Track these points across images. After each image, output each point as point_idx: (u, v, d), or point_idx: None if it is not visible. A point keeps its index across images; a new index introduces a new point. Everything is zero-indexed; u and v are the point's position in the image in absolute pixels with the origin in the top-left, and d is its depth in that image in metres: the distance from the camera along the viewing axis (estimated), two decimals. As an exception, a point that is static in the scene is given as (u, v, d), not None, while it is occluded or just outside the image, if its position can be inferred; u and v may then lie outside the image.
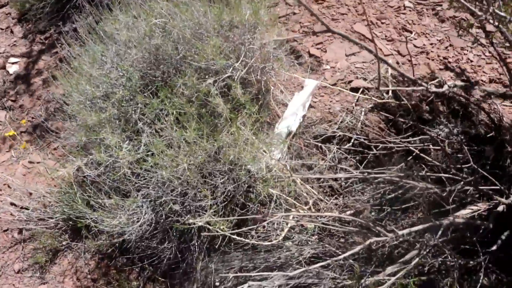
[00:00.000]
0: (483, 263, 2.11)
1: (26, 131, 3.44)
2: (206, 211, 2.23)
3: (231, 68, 2.32)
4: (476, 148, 2.49)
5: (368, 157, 2.54)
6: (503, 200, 2.20)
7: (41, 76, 3.85)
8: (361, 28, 3.30)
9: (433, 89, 1.75)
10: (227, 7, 2.65)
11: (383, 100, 2.73)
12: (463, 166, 2.24)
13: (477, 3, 1.84)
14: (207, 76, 2.40)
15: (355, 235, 2.35)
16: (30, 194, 2.98)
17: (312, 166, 2.58)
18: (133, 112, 2.56)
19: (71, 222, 2.78)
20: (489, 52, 3.01)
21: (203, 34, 2.55)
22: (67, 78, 2.89)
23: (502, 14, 1.74)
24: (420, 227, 2.01)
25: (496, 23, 1.77)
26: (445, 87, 1.74)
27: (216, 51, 2.37)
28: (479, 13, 1.75)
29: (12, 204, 2.95)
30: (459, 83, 2.13)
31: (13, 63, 3.92)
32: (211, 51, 2.32)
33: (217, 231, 2.10)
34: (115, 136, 2.41)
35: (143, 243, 2.52)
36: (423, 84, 1.77)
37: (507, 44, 2.11)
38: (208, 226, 2.11)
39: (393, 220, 2.55)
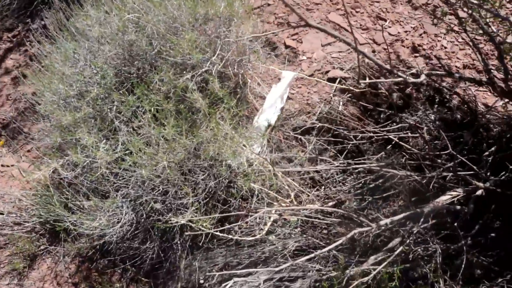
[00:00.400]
0: (464, 248, 2.15)
1: (-5, 134, 3.33)
2: (187, 208, 2.20)
3: (208, 62, 2.28)
4: (453, 134, 2.52)
5: (348, 147, 2.54)
6: (481, 184, 2.24)
7: (10, 75, 3.73)
8: (336, 18, 3.30)
9: (412, 79, 1.75)
10: (201, 0, 2.61)
11: (360, 90, 2.73)
12: (441, 152, 2.27)
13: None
14: (184, 72, 2.36)
15: (338, 226, 2.35)
16: (3, 197, 2.89)
17: (292, 159, 2.57)
18: (108, 110, 2.50)
19: (48, 226, 2.71)
20: (462, 38, 3.04)
21: (178, 29, 2.50)
22: (39, 77, 2.80)
23: (475, 1, 1.75)
24: (401, 215, 2.03)
25: (469, 11, 1.78)
26: (422, 77, 1.74)
27: (192, 45, 2.33)
28: (453, 1, 1.75)
29: (-15, 209, 2.86)
30: (435, 72, 2.14)
31: (-21, 63, 3.78)
32: (187, 46, 2.27)
33: (200, 229, 2.07)
34: (92, 135, 2.35)
35: (124, 244, 2.47)
36: (401, 75, 1.77)
37: (480, 31, 2.14)
38: (190, 224, 2.09)
39: (374, 209, 2.56)
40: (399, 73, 1.77)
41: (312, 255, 1.84)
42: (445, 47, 3.14)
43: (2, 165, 3.10)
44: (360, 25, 3.27)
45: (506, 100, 2.23)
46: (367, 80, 2.17)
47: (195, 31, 2.43)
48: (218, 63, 2.31)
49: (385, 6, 3.36)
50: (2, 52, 3.86)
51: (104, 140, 2.43)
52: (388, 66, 1.83)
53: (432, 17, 2.20)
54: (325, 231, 2.50)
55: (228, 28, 2.59)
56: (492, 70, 2.09)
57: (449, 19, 2.73)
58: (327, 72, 2.94)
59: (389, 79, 2.17)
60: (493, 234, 2.51)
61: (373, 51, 3.08)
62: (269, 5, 3.44)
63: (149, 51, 2.52)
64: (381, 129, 2.44)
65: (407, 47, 3.14)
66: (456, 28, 2.81)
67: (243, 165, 2.18)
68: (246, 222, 2.27)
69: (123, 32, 2.53)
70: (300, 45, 3.16)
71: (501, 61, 1.96)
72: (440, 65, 2.67)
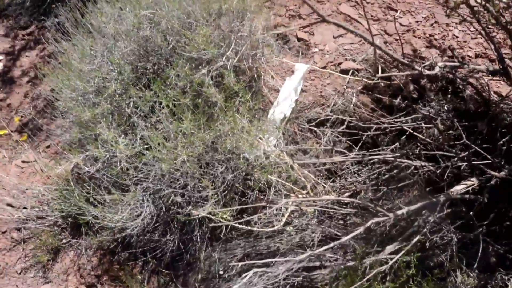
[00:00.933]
0: (480, 236, 2.18)
1: (16, 130, 3.40)
2: (207, 201, 2.25)
3: (224, 57, 2.32)
4: (467, 124, 2.54)
5: (363, 139, 2.57)
6: (496, 173, 2.26)
7: (27, 73, 3.79)
8: (347, 9, 3.31)
9: (426, 72, 1.77)
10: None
11: (373, 81, 2.75)
12: (455, 142, 2.29)
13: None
14: (200, 67, 2.40)
15: (354, 216, 2.39)
16: (26, 193, 2.96)
17: (308, 150, 2.61)
18: (126, 106, 2.55)
19: (70, 219, 2.78)
20: (474, 28, 3.04)
21: (192, 24, 2.54)
22: (56, 74, 2.85)
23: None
24: (418, 205, 2.06)
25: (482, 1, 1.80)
26: (437, 69, 1.77)
27: (207, 40, 2.36)
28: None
29: (9, 205, 2.93)
30: (449, 63, 2.16)
31: (-4, 62, 3.85)
32: (202, 41, 2.31)
33: (220, 221, 2.12)
34: (111, 130, 2.40)
35: (145, 237, 2.53)
36: (417, 68, 1.80)
37: (493, 21, 2.15)
38: (210, 216, 2.14)
39: (389, 199, 2.60)
40: (415, 66, 1.79)
41: (331, 245, 1.88)
42: (457, 37, 3.14)
43: (23, 161, 3.17)
44: (371, 16, 3.28)
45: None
46: (382, 74, 2.19)
47: (210, 26, 2.46)
48: (233, 58, 2.34)
49: (396, -4, 3.37)
50: (17, 51, 3.92)
51: (123, 135, 2.48)
52: (404, 60, 1.85)
53: (445, 8, 2.21)
54: (341, 222, 2.54)
55: (241, 22, 2.62)
56: (505, 60, 2.10)
57: (461, 8, 2.74)
58: (339, 64, 2.96)
59: (403, 71, 2.19)
60: (508, 223, 2.54)
61: (385, 42, 3.09)
62: (280, -3, 3.46)
63: (164, 47, 2.56)
64: (395, 120, 2.46)
65: (419, 38, 3.14)
66: (468, 18, 2.82)
67: (261, 157, 2.22)
68: (265, 214, 2.31)
69: (138, 29, 2.57)
70: (312, 37, 3.18)
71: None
72: (452, 56, 2.68)
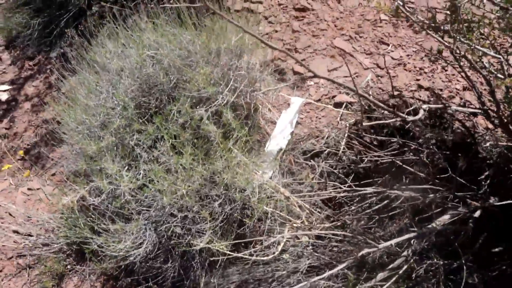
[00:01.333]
0: (464, 265, 2.29)
1: (22, 158, 3.53)
2: (206, 231, 2.37)
3: (221, 96, 2.46)
4: (453, 156, 2.68)
5: (356, 170, 2.70)
6: (479, 204, 2.39)
7: (31, 102, 3.94)
8: (341, 43, 3.47)
9: (410, 118, 1.92)
10: (213, 33, 2.80)
11: (361, 127, 2.90)
12: (441, 176, 2.43)
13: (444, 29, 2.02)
14: (200, 103, 2.54)
15: (347, 244, 2.51)
16: (31, 220, 3.08)
17: (303, 181, 2.74)
18: (130, 139, 2.68)
19: (75, 246, 2.89)
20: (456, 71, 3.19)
21: (193, 62, 2.69)
22: (61, 106, 3.00)
23: (465, 43, 1.92)
24: (406, 236, 2.19)
25: (462, 52, 1.96)
26: (421, 113, 1.90)
27: (206, 79, 2.51)
28: (446, 44, 1.92)
29: (15, 232, 3.05)
30: (433, 105, 2.31)
31: (3, 91, 4.00)
32: (202, 80, 2.45)
33: (218, 251, 2.24)
34: (115, 163, 2.53)
35: (147, 264, 2.64)
36: (401, 115, 1.94)
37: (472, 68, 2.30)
38: (209, 246, 2.26)
39: (381, 227, 2.72)
40: (400, 113, 1.93)
41: (325, 275, 1.99)
42: (446, 70, 3.30)
43: (28, 189, 3.29)
44: (364, 50, 3.44)
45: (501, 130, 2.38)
46: (369, 122, 2.34)
47: (209, 64, 2.61)
48: (231, 96, 2.48)
49: (387, 31, 3.53)
50: (23, 80, 4.08)
51: (127, 167, 2.62)
52: (393, 99, 1.99)
53: (429, 54, 2.37)
54: (335, 249, 2.66)
55: (239, 60, 2.77)
56: (485, 103, 2.25)
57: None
58: (333, 97, 3.11)
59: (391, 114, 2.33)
60: (495, 249, 2.66)
61: (377, 76, 3.24)
62: (276, 31, 3.62)
63: (167, 83, 2.71)
64: (385, 153, 2.60)
65: (409, 71, 3.30)
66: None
67: (255, 192, 2.34)
68: (261, 243, 2.43)
69: (141, 66, 2.72)
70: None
71: (492, 96, 2.13)
72: (436, 95, 2.83)
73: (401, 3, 1.88)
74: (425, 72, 3.29)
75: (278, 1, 3.80)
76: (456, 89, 3.21)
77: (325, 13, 3.67)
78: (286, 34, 3.58)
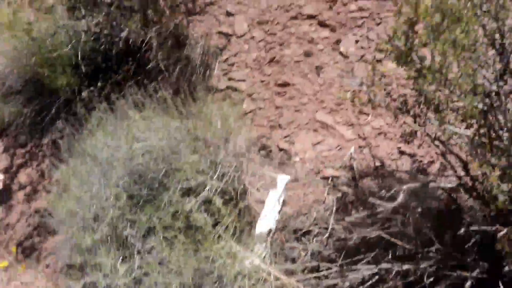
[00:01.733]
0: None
1: (16, 253, 3.54)
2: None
3: (209, 185, 2.55)
4: (438, 225, 2.74)
5: (346, 246, 2.75)
6: (468, 275, 2.43)
7: (24, 191, 3.99)
8: (323, 117, 3.60)
9: (390, 205, 2.01)
10: (199, 119, 2.92)
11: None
12: (428, 249, 2.48)
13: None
14: (190, 191, 2.62)
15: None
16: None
17: (295, 259, 2.78)
18: (123, 229, 2.73)
19: None
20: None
21: (181, 150, 2.79)
22: (55, 198, 3.06)
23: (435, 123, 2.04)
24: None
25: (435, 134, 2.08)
26: (400, 198, 2.00)
27: (194, 168, 2.60)
28: (418, 128, 2.05)
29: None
30: (413, 185, 2.41)
31: (-2, 180, 4.06)
32: (190, 170, 2.54)
33: None
34: (110, 257, 2.57)
35: None
36: (382, 205, 2.03)
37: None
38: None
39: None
40: (378, 202, 2.02)
41: None
42: (422, 147, 3.41)
43: (21, 283, 3.29)
44: (346, 121, 3.57)
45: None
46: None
47: (196, 153, 2.71)
48: (219, 184, 2.57)
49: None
50: (15, 168, 4.14)
51: (122, 258, 2.65)
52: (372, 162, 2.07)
53: (403, 135, 2.50)
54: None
55: (226, 144, 2.88)
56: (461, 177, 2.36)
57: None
58: (319, 171, 3.20)
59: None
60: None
61: (360, 147, 3.36)
62: (260, 108, 3.75)
63: (157, 172, 2.79)
64: (373, 229, 2.66)
65: (391, 139, 3.42)
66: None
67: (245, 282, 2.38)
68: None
69: (132, 158, 2.81)
70: (293, 145, 3.44)
71: (466, 172, 2.23)
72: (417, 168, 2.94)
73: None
74: (407, 140, 3.41)
75: (260, 78, 3.96)
76: (437, 153, 3.32)
77: (305, 87, 3.82)
78: (270, 110, 3.71)
